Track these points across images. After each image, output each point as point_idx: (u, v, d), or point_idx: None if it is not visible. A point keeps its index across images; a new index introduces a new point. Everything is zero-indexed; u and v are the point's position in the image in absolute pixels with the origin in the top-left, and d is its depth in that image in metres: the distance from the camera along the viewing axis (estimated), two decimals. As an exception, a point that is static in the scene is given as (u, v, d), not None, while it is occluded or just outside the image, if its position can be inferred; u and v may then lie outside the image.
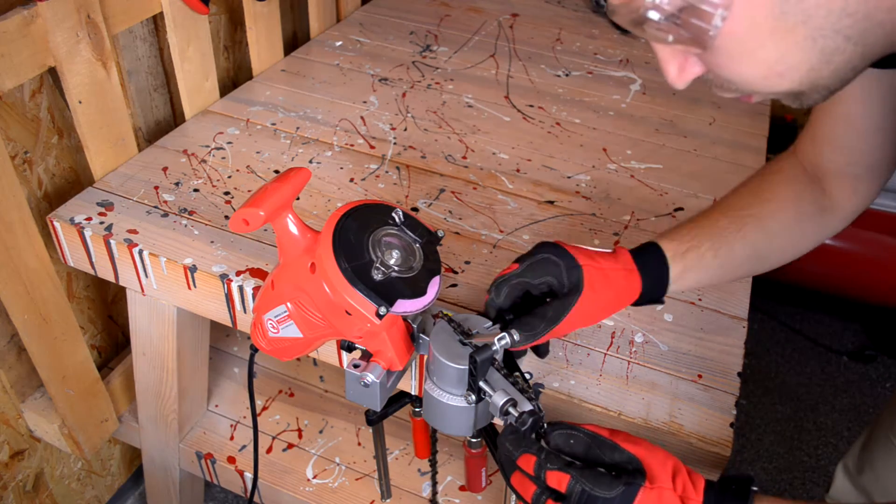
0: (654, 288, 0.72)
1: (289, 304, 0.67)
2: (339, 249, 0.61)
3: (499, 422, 0.71)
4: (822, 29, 0.41)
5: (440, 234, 0.68)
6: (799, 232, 0.75)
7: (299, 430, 1.25)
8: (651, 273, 0.72)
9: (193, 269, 0.90)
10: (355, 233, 0.63)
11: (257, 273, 0.90)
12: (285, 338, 0.70)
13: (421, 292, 0.63)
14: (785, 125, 1.92)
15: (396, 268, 0.63)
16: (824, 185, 0.74)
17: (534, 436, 0.60)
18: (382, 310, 0.61)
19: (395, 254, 0.64)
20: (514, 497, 0.62)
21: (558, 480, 0.56)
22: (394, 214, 0.66)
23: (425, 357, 0.68)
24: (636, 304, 0.73)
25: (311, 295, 0.65)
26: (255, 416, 0.87)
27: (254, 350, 0.77)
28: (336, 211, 0.64)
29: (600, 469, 0.56)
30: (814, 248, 0.77)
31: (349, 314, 0.62)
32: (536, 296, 0.69)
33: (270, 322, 0.69)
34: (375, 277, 0.61)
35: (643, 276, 0.71)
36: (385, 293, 0.61)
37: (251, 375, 0.83)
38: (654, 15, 0.42)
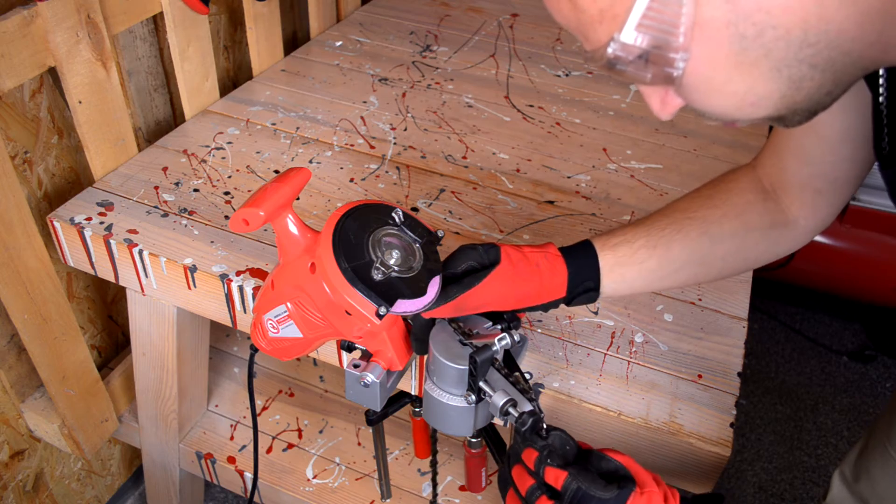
0: (582, 275, 0.71)
1: (289, 304, 0.67)
2: (339, 249, 0.61)
3: (498, 422, 0.71)
4: (785, 60, 0.41)
5: (440, 234, 0.68)
6: (745, 243, 0.74)
7: (299, 430, 1.25)
8: (577, 260, 0.71)
9: (193, 269, 0.90)
10: (355, 233, 0.63)
11: (257, 273, 0.90)
12: (285, 338, 0.70)
13: (421, 292, 0.63)
14: (785, 125, 1.92)
15: (396, 268, 0.63)
16: (782, 199, 0.73)
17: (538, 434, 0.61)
18: (382, 310, 0.61)
19: (395, 254, 0.64)
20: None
21: (555, 477, 0.57)
22: (394, 214, 0.66)
23: (425, 357, 0.68)
24: (572, 297, 0.71)
25: (311, 295, 0.65)
26: (254, 416, 0.87)
27: (254, 350, 0.77)
28: (336, 211, 0.64)
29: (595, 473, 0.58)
30: (765, 262, 0.76)
31: (349, 314, 0.62)
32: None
33: (270, 322, 0.69)
34: (375, 277, 0.61)
35: (568, 261, 0.70)
36: (385, 293, 0.61)
37: (251, 375, 0.83)
38: (618, 65, 0.44)
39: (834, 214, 0.73)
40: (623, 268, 0.72)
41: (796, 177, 0.71)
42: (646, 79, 0.45)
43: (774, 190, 0.73)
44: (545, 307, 0.72)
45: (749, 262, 0.76)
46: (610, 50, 0.43)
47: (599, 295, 0.73)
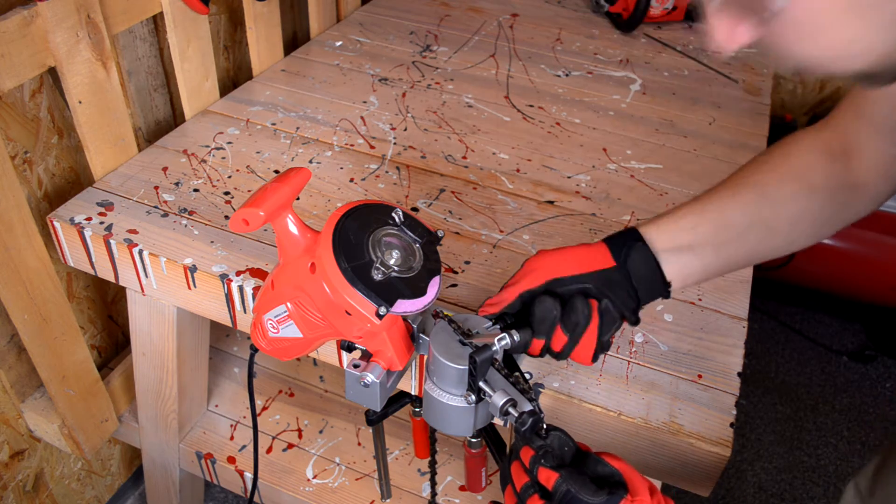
0: (623, 244, 0.68)
1: (289, 304, 0.67)
2: (339, 249, 0.61)
3: (499, 422, 0.71)
4: None
5: (440, 234, 0.68)
6: (811, 205, 0.70)
7: (299, 430, 1.25)
8: (614, 237, 0.69)
9: (193, 269, 0.90)
10: (355, 233, 0.63)
11: (257, 273, 0.90)
12: (285, 338, 0.70)
13: (421, 292, 0.63)
14: (785, 125, 1.92)
15: (396, 268, 0.63)
16: (852, 161, 0.70)
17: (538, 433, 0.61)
18: (382, 310, 0.61)
19: (395, 254, 0.64)
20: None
21: (547, 477, 0.57)
22: (394, 214, 0.66)
23: (425, 357, 0.68)
24: (633, 282, 0.68)
25: (311, 295, 0.64)
26: (255, 416, 0.87)
27: (254, 350, 0.77)
28: (336, 211, 0.64)
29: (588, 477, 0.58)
30: (838, 229, 0.72)
31: (349, 314, 0.62)
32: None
33: (270, 322, 0.69)
34: (375, 277, 0.61)
35: (606, 240, 0.70)
36: (385, 293, 0.61)
37: (251, 375, 0.83)
38: None
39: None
40: (671, 233, 0.69)
41: (870, 141, 0.68)
42: (715, 1, 0.39)
43: (845, 152, 0.70)
44: (609, 280, 0.68)
45: (819, 227, 0.72)
46: None
47: (666, 278, 0.68)
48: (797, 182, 0.70)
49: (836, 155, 0.70)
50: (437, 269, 0.66)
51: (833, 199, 0.70)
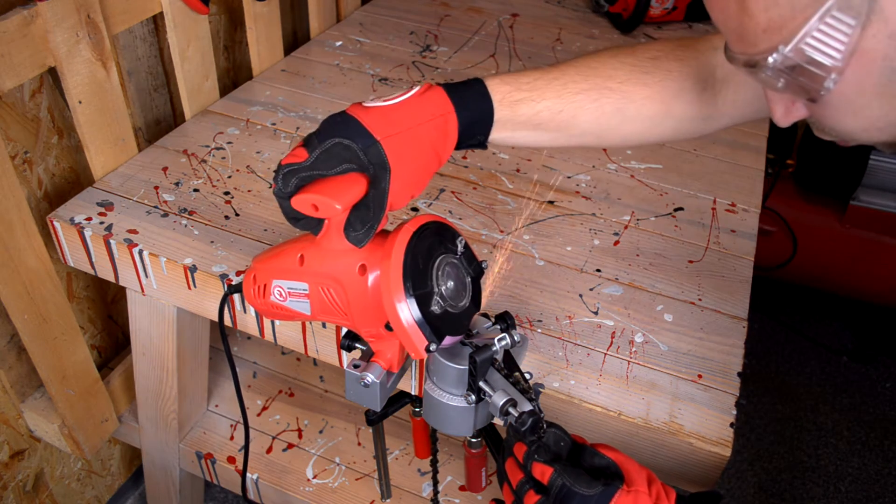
0: (472, 131, 0.67)
1: (312, 286, 0.65)
2: (408, 273, 0.59)
3: (499, 422, 0.71)
4: None
5: (484, 265, 0.66)
6: (655, 129, 0.72)
7: (299, 430, 1.25)
8: (469, 113, 0.66)
9: (193, 269, 0.90)
10: (423, 257, 0.60)
11: (257, 273, 0.90)
12: (287, 307, 0.68)
13: (463, 330, 0.63)
14: (785, 125, 1.92)
15: (451, 302, 0.62)
16: (723, 92, 0.70)
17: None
18: (433, 346, 0.59)
19: (450, 284, 0.62)
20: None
21: (542, 472, 0.58)
22: (458, 242, 0.64)
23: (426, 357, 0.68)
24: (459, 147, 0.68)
25: (346, 291, 0.63)
26: (238, 387, 0.87)
27: (229, 292, 0.75)
28: (406, 227, 0.61)
29: (582, 470, 0.58)
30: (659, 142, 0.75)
31: (390, 330, 0.61)
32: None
33: (279, 289, 0.67)
34: (433, 310, 0.60)
35: (460, 115, 0.65)
36: (437, 327, 0.60)
37: (222, 320, 0.81)
38: (768, 71, 0.46)
39: (741, 120, 0.73)
40: (517, 128, 0.68)
41: (740, 79, 0.70)
42: (778, 86, 0.47)
43: (725, 81, 0.71)
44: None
45: (646, 142, 0.75)
46: (772, 59, 0.45)
47: (486, 147, 0.70)
48: (661, 105, 0.70)
49: (709, 84, 0.71)
50: (479, 307, 0.65)
51: (680, 125, 0.73)
